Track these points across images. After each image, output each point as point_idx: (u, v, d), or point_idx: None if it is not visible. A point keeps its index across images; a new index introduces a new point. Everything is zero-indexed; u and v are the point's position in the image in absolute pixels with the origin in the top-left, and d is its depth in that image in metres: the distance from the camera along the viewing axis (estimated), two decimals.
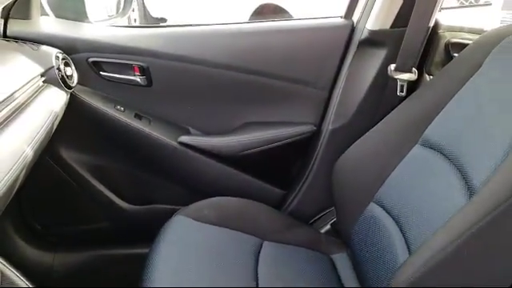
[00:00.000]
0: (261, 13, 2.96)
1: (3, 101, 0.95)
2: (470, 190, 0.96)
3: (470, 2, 2.00)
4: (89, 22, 1.52)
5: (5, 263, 0.80)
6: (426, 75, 1.45)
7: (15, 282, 0.79)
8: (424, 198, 1.08)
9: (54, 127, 1.14)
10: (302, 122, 1.60)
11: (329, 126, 1.54)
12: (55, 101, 1.18)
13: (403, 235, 1.08)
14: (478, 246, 0.86)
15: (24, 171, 0.93)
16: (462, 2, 2.04)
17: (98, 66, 1.48)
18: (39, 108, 1.08)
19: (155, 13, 3.42)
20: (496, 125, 0.99)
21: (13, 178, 0.87)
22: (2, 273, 0.56)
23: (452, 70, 1.24)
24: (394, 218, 1.15)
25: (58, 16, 1.47)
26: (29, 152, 0.93)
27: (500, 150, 0.93)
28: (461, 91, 1.15)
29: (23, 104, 1.03)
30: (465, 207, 0.91)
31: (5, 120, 0.93)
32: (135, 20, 3.08)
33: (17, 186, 0.92)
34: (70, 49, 1.39)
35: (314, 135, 1.60)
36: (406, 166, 1.21)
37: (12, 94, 0.99)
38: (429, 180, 1.11)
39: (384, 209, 1.20)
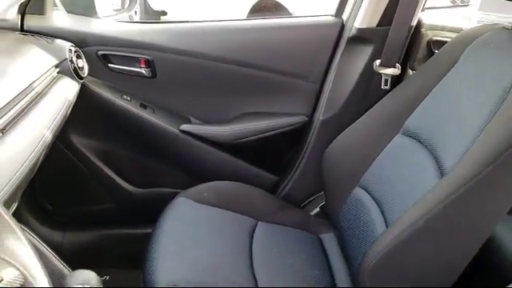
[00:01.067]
0: (259, 9, 2.95)
1: (24, 90, 1.02)
2: (441, 172, 1.03)
3: (463, 1, 2.02)
4: (97, 17, 1.57)
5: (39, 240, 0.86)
6: (410, 70, 1.51)
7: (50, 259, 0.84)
8: (402, 181, 1.16)
9: (68, 114, 1.20)
10: (294, 113, 1.63)
11: (320, 116, 1.58)
12: (68, 90, 1.25)
13: (382, 214, 1.16)
14: (444, 221, 0.94)
15: (44, 152, 1.00)
16: (453, 1, 2.06)
17: (106, 58, 1.52)
18: (55, 96, 1.15)
19: (156, 6, 3.44)
20: (466, 115, 1.05)
21: (35, 158, 0.94)
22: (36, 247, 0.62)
23: (431, 66, 1.30)
24: (375, 200, 1.22)
25: (69, 11, 1.52)
26: (48, 135, 1.01)
27: (468, 137, 0.99)
28: (438, 85, 1.22)
29: (41, 93, 1.10)
30: (435, 187, 0.98)
31: (26, 107, 1.00)
32: (136, 12, 3.08)
33: (38, 166, 0.99)
34: (81, 42, 1.44)
35: (306, 125, 1.63)
36: (388, 154, 1.28)
37: (31, 84, 1.06)
38: (407, 165, 1.18)
39: (367, 192, 1.27)
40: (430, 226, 0.94)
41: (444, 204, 0.92)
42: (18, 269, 0.50)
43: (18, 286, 0.50)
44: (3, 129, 0.88)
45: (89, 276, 0.79)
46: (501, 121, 0.93)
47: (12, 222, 0.53)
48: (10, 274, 0.49)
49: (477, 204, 0.94)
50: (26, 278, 0.51)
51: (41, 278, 0.53)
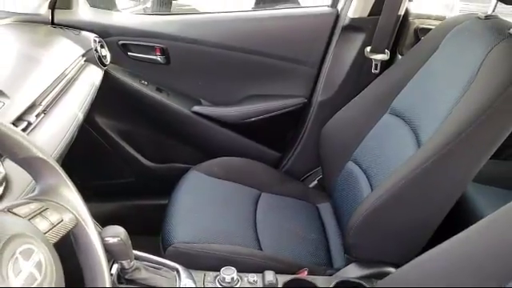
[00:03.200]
0: None
1: (58, 76, 1.14)
2: (419, 145, 1.13)
3: None
4: (117, 10, 1.66)
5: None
6: (399, 55, 1.59)
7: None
8: (386, 154, 1.26)
9: (93, 97, 1.31)
10: (295, 95, 1.71)
11: (317, 98, 1.66)
12: (94, 76, 1.36)
13: (369, 184, 1.26)
14: (418, 186, 1.05)
15: (76, 130, 1.12)
16: None
17: (126, 47, 1.62)
18: (83, 82, 1.27)
19: None
20: (442, 94, 1.14)
21: (70, 135, 1.06)
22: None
23: (417, 51, 1.37)
24: (364, 172, 1.32)
25: (92, 5, 1.61)
26: (80, 115, 1.13)
27: (443, 114, 1.08)
28: (421, 69, 1.30)
29: (72, 78, 1.22)
30: (411, 157, 1.09)
31: (61, 91, 1.13)
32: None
33: (72, 143, 1.11)
34: (104, 33, 1.54)
35: (305, 106, 1.71)
36: (377, 131, 1.36)
37: (64, 71, 1.18)
38: (391, 140, 1.28)
39: (358, 165, 1.37)
40: (406, 190, 1.04)
41: (418, 171, 1.02)
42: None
43: (73, 225, 0.64)
44: (45, 110, 1.01)
45: (118, 230, 0.92)
46: (468, 100, 1.03)
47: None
48: (67, 217, 0.63)
49: (446, 171, 1.04)
50: (78, 221, 0.65)
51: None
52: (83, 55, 1.36)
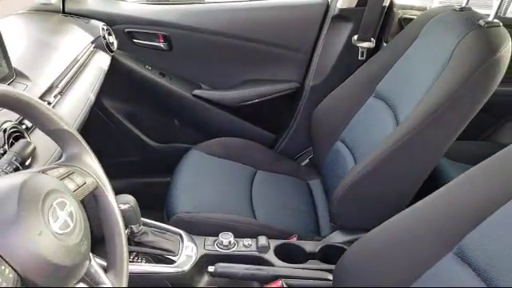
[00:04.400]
0: None
1: (72, 61, 1.24)
2: (397, 124, 1.23)
3: None
4: (123, 0, 1.72)
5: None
6: (384, 43, 1.66)
7: None
8: (369, 133, 1.35)
9: (102, 81, 1.39)
10: (288, 80, 1.79)
11: (309, 83, 1.73)
12: (103, 61, 1.45)
13: (354, 160, 1.37)
14: (395, 160, 1.15)
15: (89, 110, 1.22)
16: None
17: (131, 35, 1.70)
18: (94, 67, 1.36)
19: None
20: (420, 77, 1.23)
21: (84, 115, 1.16)
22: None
23: (399, 40, 1.45)
24: (350, 150, 1.42)
25: None
26: (92, 97, 1.23)
27: (419, 96, 1.17)
28: (403, 55, 1.38)
29: (83, 63, 1.31)
30: (389, 135, 1.18)
31: (74, 75, 1.22)
32: None
33: (85, 122, 1.20)
34: (111, 22, 1.61)
35: (298, 90, 1.79)
36: (362, 113, 1.45)
37: (76, 57, 1.28)
38: (374, 121, 1.37)
39: (345, 144, 1.46)
40: (384, 163, 1.14)
41: (395, 147, 1.13)
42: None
43: (94, 187, 0.74)
44: (61, 91, 1.11)
45: (129, 198, 1.03)
46: (440, 84, 1.13)
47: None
48: (89, 181, 0.74)
49: (420, 147, 1.14)
50: (98, 184, 0.76)
51: (107, 184, 0.77)
52: (92, 42, 1.44)
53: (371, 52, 1.62)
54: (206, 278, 1.12)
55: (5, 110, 0.83)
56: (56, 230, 0.58)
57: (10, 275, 0.51)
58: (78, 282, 0.63)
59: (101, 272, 0.68)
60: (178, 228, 1.20)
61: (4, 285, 0.50)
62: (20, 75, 1.00)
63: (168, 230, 1.17)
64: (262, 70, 1.80)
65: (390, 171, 1.17)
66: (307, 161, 1.82)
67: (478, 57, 1.08)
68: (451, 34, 1.19)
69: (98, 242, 0.82)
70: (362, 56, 1.63)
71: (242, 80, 1.82)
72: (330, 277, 1.05)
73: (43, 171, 0.66)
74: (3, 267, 0.51)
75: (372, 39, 1.62)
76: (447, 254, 0.79)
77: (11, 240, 0.52)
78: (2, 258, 0.51)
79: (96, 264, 0.68)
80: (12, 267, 0.52)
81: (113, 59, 1.56)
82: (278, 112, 1.87)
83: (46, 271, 0.55)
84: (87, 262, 0.65)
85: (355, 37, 1.62)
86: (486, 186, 0.78)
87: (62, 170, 0.69)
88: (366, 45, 1.61)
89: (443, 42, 1.21)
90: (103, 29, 1.51)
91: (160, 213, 1.37)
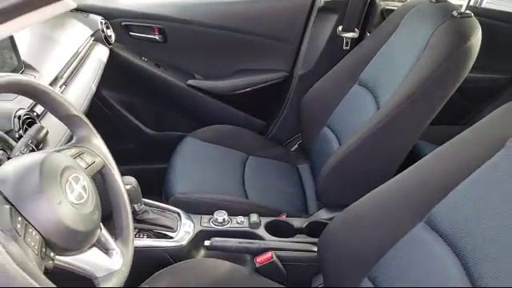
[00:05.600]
0: None
1: (74, 54, 1.31)
2: (378, 108, 1.31)
3: None
4: None
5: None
6: (368, 33, 1.73)
7: None
8: (353, 118, 1.43)
9: (101, 72, 1.46)
10: (278, 70, 1.85)
11: (298, 72, 1.79)
12: (102, 54, 1.51)
13: (339, 144, 1.45)
14: (375, 140, 1.22)
15: (90, 100, 1.29)
16: None
17: (128, 28, 1.75)
18: (94, 59, 1.42)
19: None
20: (399, 65, 1.30)
21: (86, 105, 1.23)
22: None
23: (381, 30, 1.52)
24: (336, 135, 1.50)
25: None
26: (93, 87, 1.30)
27: (397, 82, 1.25)
28: (384, 45, 1.46)
29: (84, 55, 1.37)
30: (370, 117, 1.26)
31: (76, 66, 1.29)
32: None
33: (87, 111, 1.27)
34: (109, 15, 1.67)
35: (287, 79, 1.85)
36: (346, 100, 1.52)
37: (78, 49, 1.34)
38: (357, 106, 1.44)
39: (331, 130, 1.53)
40: (366, 144, 1.23)
41: (375, 129, 1.21)
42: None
43: (102, 166, 0.83)
44: (65, 82, 1.19)
45: (131, 179, 1.11)
46: (416, 71, 1.20)
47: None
48: (98, 160, 0.82)
49: (398, 128, 1.22)
50: (105, 163, 0.84)
51: (113, 164, 0.86)
52: (92, 35, 1.51)
53: (355, 42, 1.68)
54: (202, 252, 1.21)
55: (17, 99, 0.91)
56: (72, 200, 0.66)
57: (37, 237, 0.60)
58: (92, 247, 0.71)
59: (110, 240, 0.77)
60: (176, 207, 1.28)
61: (32, 244, 0.58)
62: (28, 67, 1.07)
63: (167, 209, 1.25)
64: (253, 60, 1.86)
65: (370, 151, 1.25)
66: (296, 146, 1.88)
67: (450, 45, 1.16)
68: (427, 25, 1.27)
69: (105, 219, 0.91)
70: (347, 46, 1.70)
71: (233, 70, 1.88)
72: (315, 248, 1.14)
73: (58, 151, 0.74)
74: (30, 230, 0.59)
75: (356, 30, 1.69)
76: (418, 223, 0.88)
77: (36, 208, 0.61)
78: (29, 222, 0.60)
79: (106, 232, 0.77)
80: (37, 230, 0.60)
81: (111, 51, 1.62)
82: (268, 100, 1.93)
83: (65, 235, 0.63)
84: (98, 230, 0.73)
85: (340, 27, 1.69)
86: (451, 162, 0.87)
87: (73, 151, 0.78)
88: (350, 35, 1.69)
89: (420, 31, 1.28)
90: (101, 22, 1.57)
91: (158, 197, 1.40)
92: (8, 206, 0.59)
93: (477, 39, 1.16)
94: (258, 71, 1.87)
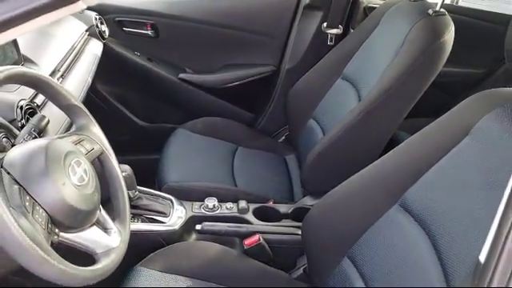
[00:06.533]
0: None
1: (70, 48, 1.35)
2: (360, 99, 1.37)
3: None
4: None
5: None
6: (351, 30, 1.78)
7: None
8: (337, 109, 1.48)
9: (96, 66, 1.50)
10: (266, 64, 1.90)
11: (285, 66, 1.84)
12: (96, 48, 1.55)
13: (323, 134, 1.51)
14: (357, 129, 1.29)
15: (86, 92, 1.34)
16: None
17: (121, 23, 1.79)
18: (89, 53, 1.47)
19: None
20: (379, 60, 1.36)
21: (82, 97, 1.28)
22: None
23: (363, 27, 1.58)
24: (320, 126, 1.56)
25: None
26: (89, 80, 1.34)
27: (377, 75, 1.31)
28: (366, 41, 1.52)
29: (80, 50, 1.42)
30: (352, 109, 1.32)
31: (72, 60, 1.33)
32: None
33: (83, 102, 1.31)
34: (103, 11, 1.70)
35: (275, 73, 1.89)
36: (331, 93, 1.59)
37: (73, 44, 1.39)
38: (341, 99, 1.50)
39: (317, 122, 1.60)
40: (347, 133, 1.29)
41: (356, 120, 1.27)
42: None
43: (100, 153, 0.88)
44: (62, 75, 1.23)
45: (126, 167, 1.16)
46: (394, 66, 1.27)
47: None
48: (96, 147, 0.87)
49: (377, 119, 1.28)
50: (103, 150, 0.89)
51: (111, 150, 0.91)
52: (87, 30, 1.55)
53: (339, 38, 1.74)
54: (193, 236, 1.27)
55: (18, 90, 0.96)
56: (75, 182, 0.72)
57: (43, 214, 0.66)
58: (92, 226, 0.77)
59: (109, 220, 0.83)
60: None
61: (40, 220, 0.64)
62: (27, 60, 1.12)
63: (160, 196, 1.31)
64: (242, 54, 1.90)
65: (351, 140, 1.31)
66: (284, 138, 1.93)
67: (425, 42, 1.22)
68: (405, 22, 1.33)
69: (104, 204, 0.96)
70: (331, 41, 1.75)
71: (223, 64, 1.92)
72: (300, 232, 1.19)
73: (60, 138, 0.80)
74: (38, 208, 0.65)
75: (340, 26, 1.74)
76: (393, 205, 0.94)
77: (42, 188, 0.66)
78: (36, 201, 0.65)
79: (105, 213, 0.83)
80: (44, 208, 0.66)
81: (105, 46, 1.65)
82: (256, 93, 1.97)
83: (68, 213, 0.69)
84: (98, 210, 0.79)
85: (325, 24, 1.74)
86: (423, 149, 0.94)
87: (74, 138, 0.83)
88: (334, 31, 1.74)
89: (399, 28, 1.35)
90: (96, 18, 1.61)
91: (151, 186, 1.42)
92: (17, 187, 0.64)
93: (450, 36, 1.23)
94: (246, 65, 1.91)
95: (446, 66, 1.27)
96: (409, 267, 0.86)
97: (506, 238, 0.45)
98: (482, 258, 0.48)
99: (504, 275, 0.45)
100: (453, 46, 1.25)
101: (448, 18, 1.27)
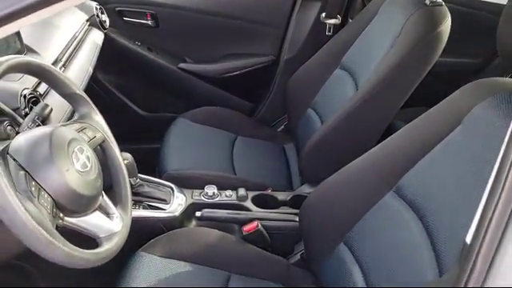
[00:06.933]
0: None
1: (71, 38, 1.36)
2: (357, 89, 1.38)
3: None
4: None
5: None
6: (350, 20, 1.80)
7: None
8: (335, 99, 1.49)
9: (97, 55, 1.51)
10: (265, 54, 1.91)
11: (284, 56, 1.85)
12: (97, 38, 1.56)
13: (321, 122, 1.52)
14: (353, 119, 1.31)
15: (87, 82, 1.36)
16: None
17: (122, 13, 1.80)
18: (90, 43, 1.48)
19: None
20: (376, 50, 1.36)
21: (84, 85, 1.30)
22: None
23: (361, 17, 1.58)
24: (318, 115, 1.57)
25: None
26: (90, 70, 1.36)
27: (374, 64, 1.32)
28: (364, 31, 1.52)
29: (81, 40, 1.43)
30: (350, 98, 1.34)
31: (73, 50, 1.34)
32: None
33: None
34: (103, 1, 1.70)
35: (274, 63, 1.90)
36: (329, 83, 1.59)
37: (75, 34, 1.40)
38: (339, 89, 1.51)
39: (315, 111, 1.60)
40: (345, 122, 1.31)
41: (353, 108, 1.29)
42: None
43: (102, 140, 0.90)
44: (64, 64, 1.25)
45: (127, 155, 1.18)
46: (390, 56, 1.28)
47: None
48: (98, 135, 0.89)
49: (374, 107, 1.29)
50: (105, 138, 0.91)
51: (112, 138, 0.93)
52: (87, 20, 1.55)
53: (338, 28, 1.75)
54: (193, 222, 1.29)
55: (22, 79, 0.98)
56: (78, 168, 0.74)
57: (48, 199, 0.68)
58: (95, 211, 0.79)
59: (111, 205, 0.85)
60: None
61: (45, 204, 0.66)
62: (30, 50, 1.13)
63: (161, 184, 1.33)
64: (242, 44, 1.91)
65: (348, 129, 1.33)
66: (282, 127, 1.95)
67: (422, 32, 1.23)
68: (402, 13, 1.34)
69: (106, 191, 0.98)
70: (330, 32, 1.76)
71: (223, 54, 1.93)
72: (297, 219, 1.22)
73: (62, 125, 0.82)
74: (43, 193, 0.67)
75: (338, 16, 1.75)
76: (388, 192, 0.97)
77: (47, 174, 0.69)
78: (41, 186, 0.68)
79: (107, 199, 0.85)
80: (49, 193, 0.68)
81: (105, 36, 1.66)
82: (255, 83, 1.97)
83: (72, 198, 0.71)
84: (100, 196, 0.81)
85: (323, 14, 1.75)
86: (417, 137, 0.96)
87: (77, 126, 0.85)
88: (332, 21, 1.75)
89: (395, 19, 1.35)
90: (96, 8, 1.62)
91: (151, 175, 1.43)
92: (23, 172, 0.67)
93: (446, 26, 1.24)
94: (246, 55, 1.92)
95: (443, 56, 1.28)
96: (402, 252, 0.89)
97: (490, 221, 0.47)
98: (469, 239, 0.51)
99: (487, 256, 0.47)
100: (450, 36, 1.26)
101: (445, 8, 1.28)
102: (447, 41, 1.26)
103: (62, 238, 0.66)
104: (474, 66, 1.93)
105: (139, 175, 1.27)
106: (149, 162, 1.52)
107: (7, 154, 0.68)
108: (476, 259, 0.47)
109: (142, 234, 1.14)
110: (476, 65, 1.93)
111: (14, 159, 0.68)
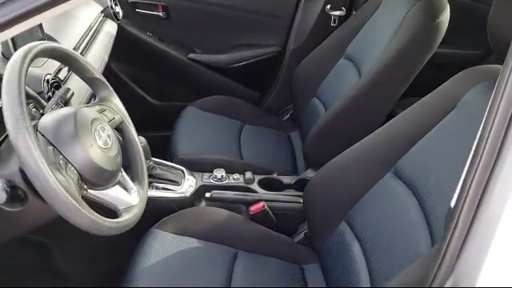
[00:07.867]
0: None
1: (88, 28, 1.42)
2: (360, 76, 1.43)
3: None
4: None
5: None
6: (354, 11, 1.83)
7: None
8: (339, 88, 1.53)
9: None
10: (271, 44, 1.96)
11: (290, 47, 1.90)
12: (111, 28, 1.62)
13: (325, 110, 1.56)
14: (355, 106, 1.35)
15: (103, 69, 1.42)
16: None
17: (134, 5, 1.86)
18: (105, 33, 1.54)
19: None
20: (378, 41, 1.41)
21: (101, 73, 1.36)
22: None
23: (365, 8, 1.62)
24: (323, 104, 1.61)
25: None
26: (106, 57, 1.42)
27: (377, 53, 1.36)
28: (368, 22, 1.56)
29: (96, 30, 1.49)
30: (353, 85, 1.39)
31: (90, 39, 1.40)
32: None
33: None
34: None
35: (281, 53, 1.95)
36: (334, 72, 1.64)
37: (91, 24, 1.46)
38: (343, 77, 1.56)
39: (320, 100, 1.65)
40: (348, 108, 1.36)
41: (356, 95, 1.34)
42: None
43: (120, 122, 0.96)
44: (81, 53, 1.31)
45: (142, 139, 1.24)
46: (392, 45, 1.32)
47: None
48: (117, 117, 0.96)
49: (376, 94, 1.34)
50: (123, 120, 0.98)
51: (129, 121, 1.00)
52: (102, 11, 1.61)
53: (342, 19, 1.79)
54: (203, 203, 1.36)
55: (44, 65, 1.04)
56: (101, 144, 0.80)
57: (74, 171, 0.74)
58: (115, 185, 0.86)
59: (129, 181, 0.92)
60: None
61: (72, 176, 0.73)
62: (50, 39, 1.20)
63: (172, 167, 1.39)
64: (249, 35, 1.96)
65: (351, 115, 1.38)
66: (288, 116, 2.00)
67: (422, 23, 1.27)
68: (404, 4, 1.38)
69: (124, 169, 1.03)
70: (334, 23, 1.80)
71: (231, 45, 1.98)
72: (302, 200, 1.28)
73: (85, 107, 0.88)
74: (69, 166, 0.74)
75: (343, 8, 1.79)
76: (387, 172, 1.02)
77: (73, 149, 0.75)
78: (68, 160, 0.74)
79: (126, 175, 0.92)
80: (74, 167, 0.75)
81: (119, 27, 1.71)
82: (262, 73, 2.02)
83: (95, 172, 0.78)
84: (120, 172, 0.88)
85: (328, 6, 1.79)
86: (414, 121, 1.01)
87: (97, 107, 0.92)
88: (337, 13, 1.79)
89: (397, 11, 1.40)
90: (110, 0, 1.67)
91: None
92: (51, 147, 0.73)
93: (445, 17, 1.28)
94: (253, 46, 1.97)
95: (444, 48, 1.33)
96: (398, 228, 0.94)
97: (470, 185, 0.53)
98: (452, 204, 0.57)
99: (467, 217, 0.53)
100: (451, 27, 1.30)
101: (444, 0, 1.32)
102: (449, 32, 1.30)
103: (88, 206, 0.72)
104: (474, 57, 1.97)
105: (152, 159, 1.33)
106: (159, 149, 1.54)
107: (37, 131, 0.75)
108: (458, 218, 0.53)
109: (155, 213, 1.20)
110: (477, 56, 1.96)
111: (43, 135, 0.74)
